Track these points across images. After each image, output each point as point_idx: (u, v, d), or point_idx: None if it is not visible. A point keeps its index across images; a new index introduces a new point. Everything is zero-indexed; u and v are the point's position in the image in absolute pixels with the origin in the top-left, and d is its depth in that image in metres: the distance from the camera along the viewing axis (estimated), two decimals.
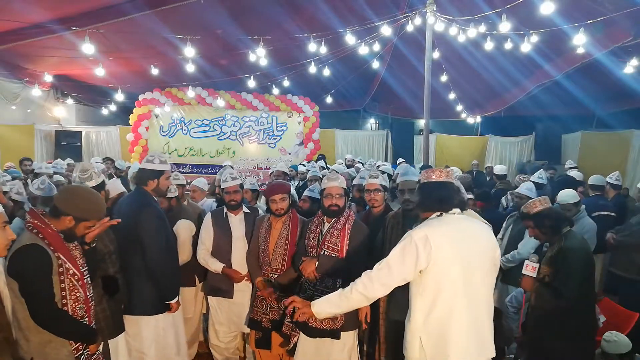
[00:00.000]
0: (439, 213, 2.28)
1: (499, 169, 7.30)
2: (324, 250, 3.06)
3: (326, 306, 2.34)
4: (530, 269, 3.10)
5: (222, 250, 3.59)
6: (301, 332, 3.05)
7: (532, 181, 5.69)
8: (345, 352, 3.05)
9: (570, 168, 8.41)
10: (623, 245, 4.45)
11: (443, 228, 2.21)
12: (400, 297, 2.51)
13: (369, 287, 2.22)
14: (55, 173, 6.13)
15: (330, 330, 2.97)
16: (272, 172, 6.96)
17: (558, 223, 3.04)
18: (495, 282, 2.36)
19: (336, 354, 3.04)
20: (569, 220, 3.14)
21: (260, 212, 3.91)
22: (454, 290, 2.16)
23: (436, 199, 2.29)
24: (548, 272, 2.99)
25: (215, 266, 3.56)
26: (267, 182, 10.20)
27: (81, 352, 2.29)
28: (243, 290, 3.62)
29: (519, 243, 4.20)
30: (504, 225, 4.59)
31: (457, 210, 2.29)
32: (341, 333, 3.01)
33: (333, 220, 3.13)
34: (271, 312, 3.36)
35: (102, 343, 2.61)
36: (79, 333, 2.28)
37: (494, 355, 2.28)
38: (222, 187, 3.67)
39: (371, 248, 3.19)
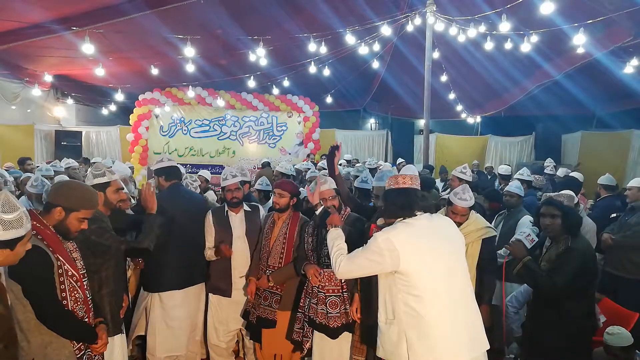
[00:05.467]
0: (402, 218, 2.33)
1: (504, 170, 7.28)
2: (324, 250, 3.06)
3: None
4: (528, 238, 3.09)
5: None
6: (315, 334, 3.07)
7: (518, 179, 5.69)
8: (346, 347, 3.08)
9: (554, 166, 8.36)
10: (623, 245, 4.41)
11: (407, 230, 2.27)
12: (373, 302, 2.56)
13: (336, 265, 2.35)
14: (56, 172, 6.12)
15: (347, 325, 3.01)
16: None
17: (577, 226, 3.01)
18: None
19: (346, 350, 3.06)
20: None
21: (262, 210, 3.90)
22: (434, 287, 2.21)
23: (398, 205, 2.35)
24: (549, 268, 2.98)
25: (211, 252, 3.55)
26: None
27: (83, 352, 2.29)
28: (242, 289, 3.63)
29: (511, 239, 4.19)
30: (492, 223, 4.56)
31: (420, 212, 2.34)
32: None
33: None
34: (259, 309, 3.38)
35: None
36: (83, 333, 2.28)
37: (487, 347, 2.29)
38: (222, 185, 3.67)
39: None
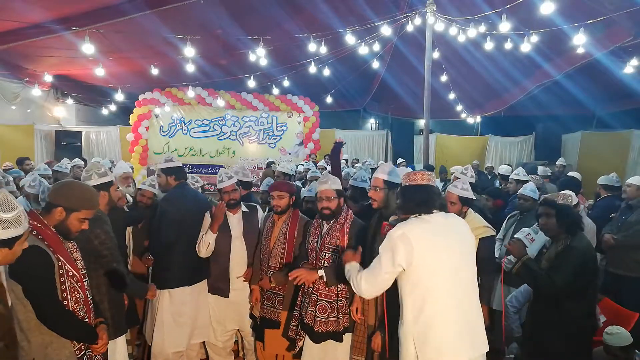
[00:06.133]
0: (417, 214, 2.33)
1: (504, 170, 7.27)
2: (324, 253, 3.04)
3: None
4: (528, 237, 3.08)
5: (221, 250, 3.58)
6: (307, 336, 3.06)
7: (514, 179, 5.70)
8: (346, 350, 3.06)
9: (562, 165, 8.42)
10: (625, 245, 4.40)
11: (423, 226, 2.27)
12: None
13: (359, 285, 2.37)
14: (55, 172, 6.13)
15: (333, 333, 2.97)
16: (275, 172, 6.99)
17: (575, 224, 3.01)
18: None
19: (342, 355, 3.04)
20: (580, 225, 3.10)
21: (260, 210, 3.90)
22: (444, 286, 2.20)
23: (416, 201, 2.34)
24: (548, 267, 2.98)
25: (207, 238, 3.48)
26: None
27: (84, 352, 2.29)
28: (239, 289, 3.64)
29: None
30: (504, 225, 4.56)
31: (436, 210, 2.34)
32: (344, 335, 3.01)
33: (332, 221, 3.13)
34: (262, 310, 3.38)
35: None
36: (84, 333, 2.28)
37: (487, 349, 2.30)
38: (218, 187, 3.67)
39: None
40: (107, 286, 2.82)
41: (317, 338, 2.98)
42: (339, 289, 2.98)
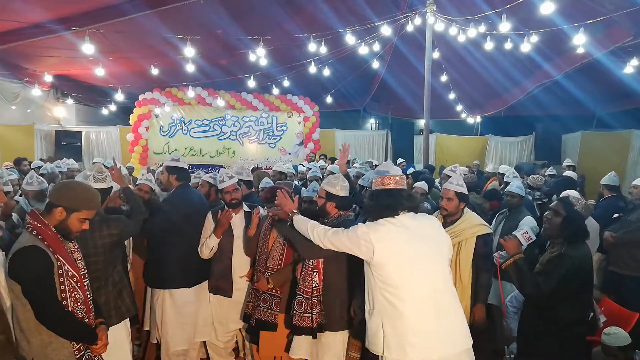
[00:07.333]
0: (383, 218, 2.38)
1: (503, 170, 7.28)
2: None
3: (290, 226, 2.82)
4: (525, 236, 3.06)
5: (223, 250, 3.58)
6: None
7: (506, 181, 5.71)
8: (339, 347, 3.03)
9: (568, 166, 8.42)
10: (625, 242, 4.39)
11: (387, 227, 2.32)
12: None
13: (324, 236, 2.49)
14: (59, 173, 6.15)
15: (306, 329, 2.96)
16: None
17: (578, 235, 2.90)
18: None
19: (328, 348, 3.02)
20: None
21: (261, 210, 3.89)
22: (411, 284, 2.25)
23: (382, 206, 2.39)
24: (540, 270, 2.96)
25: (210, 242, 3.51)
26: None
27: (83, 352, 2.28)
28: (242, 289, 3.63)
29: None
30: (493, 222, 4.53)
31: (403, 212, 2.39)
32: (320, 333, 2.99)
33: (325, 221, 3.11)
34: (258, 311, 3.36)
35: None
36: (83, 334, 2.28)
37: (468, 345, 2.32)
38: (220, 187, 3.66)
39: None
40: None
41: (295, 330, 3.00)
42: (314, 286, 2.96)
